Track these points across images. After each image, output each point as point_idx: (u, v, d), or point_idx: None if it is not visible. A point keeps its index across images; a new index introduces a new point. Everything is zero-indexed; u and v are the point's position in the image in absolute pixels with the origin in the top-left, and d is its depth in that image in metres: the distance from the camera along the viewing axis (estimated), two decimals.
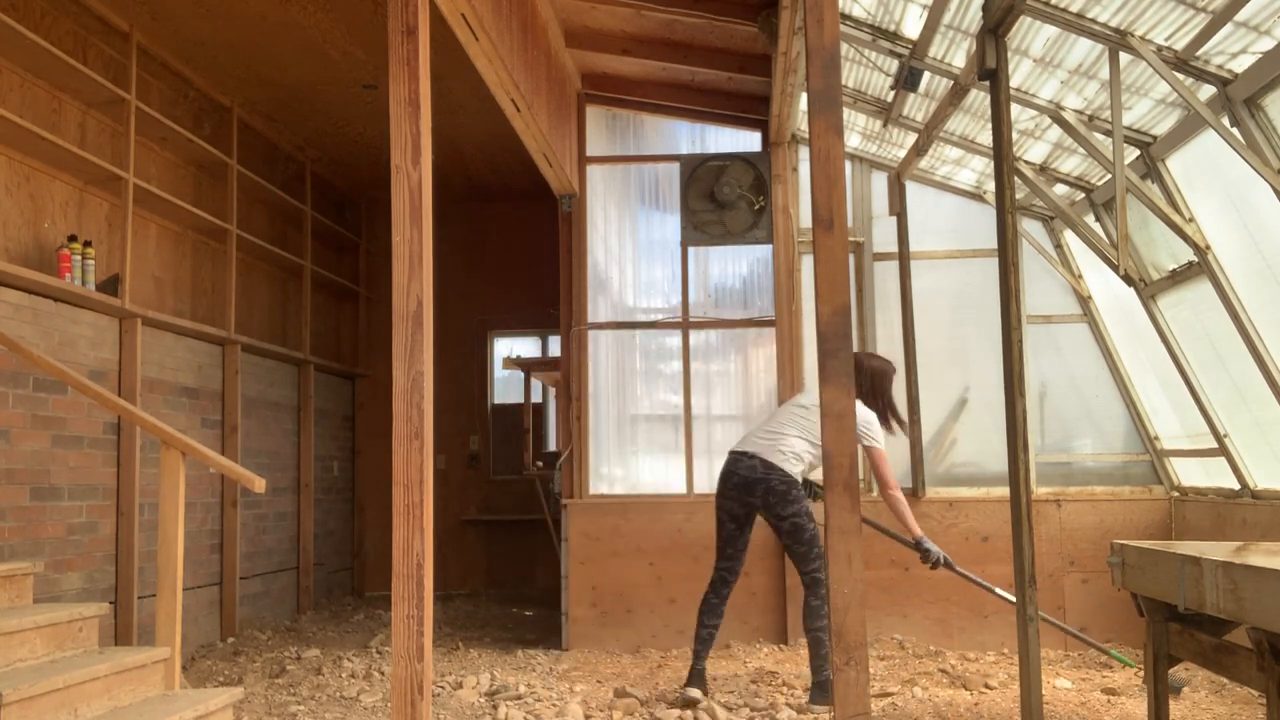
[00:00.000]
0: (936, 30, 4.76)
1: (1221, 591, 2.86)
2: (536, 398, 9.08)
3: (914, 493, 6.28)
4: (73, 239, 5.23)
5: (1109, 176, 5.18)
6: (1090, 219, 5.75)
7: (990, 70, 3.67)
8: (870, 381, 5.00)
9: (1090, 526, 6.15)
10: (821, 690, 4.61)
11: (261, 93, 7.05)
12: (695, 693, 4.71)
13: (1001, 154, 3.65)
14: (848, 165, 6.53)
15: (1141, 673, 5.09)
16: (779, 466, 4.80)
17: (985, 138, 5.71)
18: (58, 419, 5.10)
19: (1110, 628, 6.04)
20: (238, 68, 6.61)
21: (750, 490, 4.82)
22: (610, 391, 6.72)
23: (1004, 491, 6.10)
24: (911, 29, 4.94)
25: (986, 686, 5.03)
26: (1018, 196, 6.18)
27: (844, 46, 5.29)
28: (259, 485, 4.04)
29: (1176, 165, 4.77)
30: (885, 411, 5.04)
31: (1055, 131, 5.25)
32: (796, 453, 4.84)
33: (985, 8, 3.70)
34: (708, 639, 4.90)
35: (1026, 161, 5.72)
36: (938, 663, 5.65)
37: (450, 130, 7.73)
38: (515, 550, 9.40)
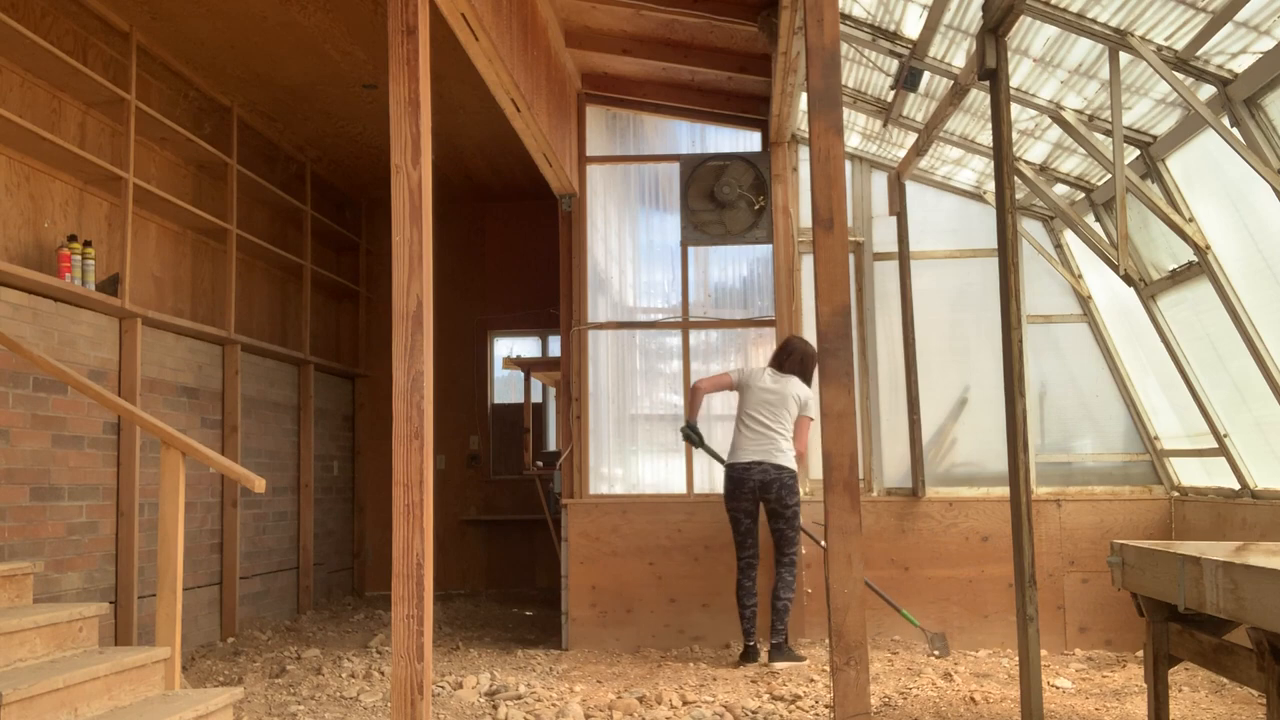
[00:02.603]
0: (936, 30, 4.76)
1: (1221, 591, 2.87)
2: (536, 398, 9.08)
3: (914, 492, 6.28)
4: (73, 239, 5.23)
5: (1109, 176, 5.18)
6: (1090, 219, 5.74)
7: (990, 70, 3.67)
8: (803, 364, 5.84)
9: (1090, 526, 6.14)
10: (779, 650, 5.55)
11: (261, 93, 7.05)
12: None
13: (1001, 154, 3.66)
14: (848, 165, 6.53)
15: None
16: (786, 466, 5.70)
17: (985, 138, 5.71)
18: (58, 419, 5.10)
19: (1110, 628, 6.04)
20: (238, 68, 6.61)
21: (767, 490, 5.68)
22: (610, 391, 6.72)
23: (1004, 491, 6.10)
24: (911, 29, 4.94)
25: (985, 688, 5.03)
26: (1018, 196, 6.18)
27: (844, 46, 5.29)
28: (259, 485, 4.04)
29: (1176, 165, 4.77)
30: None
31: (1055, 131, 5.25)
32: (788, 448, 5.74)
33: (985, 8, 3.70)
34: (751, 616, 5.71)
35: (1026, 161, 5.72)
36: (937, 662, 5.64)
37: (450, 130, 7.73)
38: (515, 550, 9.41)
